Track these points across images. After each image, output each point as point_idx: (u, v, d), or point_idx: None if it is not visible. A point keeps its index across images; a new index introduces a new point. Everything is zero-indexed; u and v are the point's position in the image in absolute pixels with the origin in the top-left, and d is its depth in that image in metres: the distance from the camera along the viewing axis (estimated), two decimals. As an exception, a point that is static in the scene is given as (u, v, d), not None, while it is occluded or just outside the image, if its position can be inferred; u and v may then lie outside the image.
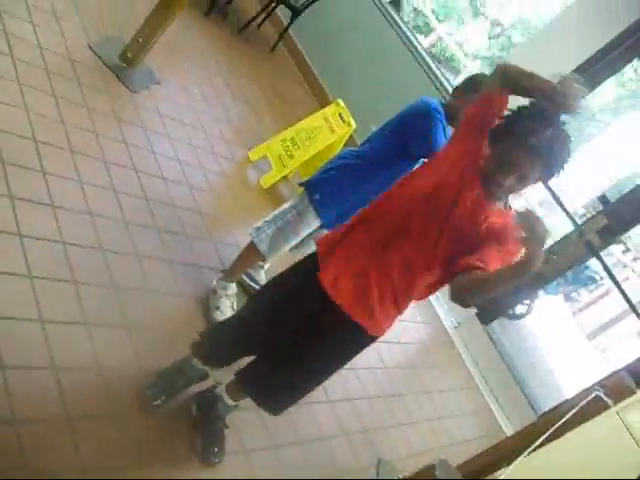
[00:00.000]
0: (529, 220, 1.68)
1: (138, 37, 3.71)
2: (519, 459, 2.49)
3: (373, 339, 2.18)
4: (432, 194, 1.97)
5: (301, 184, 2.96)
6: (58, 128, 2.98)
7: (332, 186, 2.77)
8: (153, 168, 3.34)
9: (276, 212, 2.97)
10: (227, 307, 2.93)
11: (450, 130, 2.73)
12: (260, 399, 2.34)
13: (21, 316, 2.21)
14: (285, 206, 2.96)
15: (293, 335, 2.17)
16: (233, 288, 2.99)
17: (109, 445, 2.15)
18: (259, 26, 6.05)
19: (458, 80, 5.10)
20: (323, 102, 5.56)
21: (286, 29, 5.98)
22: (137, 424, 2.30)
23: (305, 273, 2.13)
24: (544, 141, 1.79)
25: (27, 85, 3.02)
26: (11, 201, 2.48)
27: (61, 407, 2.11)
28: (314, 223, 2.88)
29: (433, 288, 2.11)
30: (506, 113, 1.91)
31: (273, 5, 5.88)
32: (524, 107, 1.88)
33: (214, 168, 3.90)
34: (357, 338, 2.16)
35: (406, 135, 2.69)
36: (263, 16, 5.96)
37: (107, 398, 2.27)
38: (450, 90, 5.46)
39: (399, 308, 2.12)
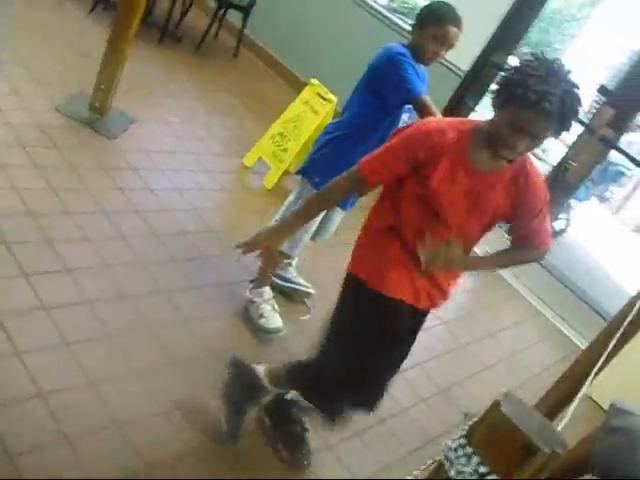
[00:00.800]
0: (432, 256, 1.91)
1: (100, 85, 3.69)
2: (597, 366, 2.40)
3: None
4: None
5: (298, 172, 2.89)
6: (51, 196, 2.96)
7: (327, 164, 2.69)
8: (155, 204, 3.32)
9: (283, 208, 2.91)
10: (269, 312, 2.90)
11: (420, 68, 2.63)
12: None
13: (72, 385, 2.19)
14: (290, 199, 2.90)
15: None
16: (268, 292, 2.96)
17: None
18: (215, 37, 6.02)
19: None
20: (300, 88, 5.48)
21: (242, 31, 5.93)
22: (218, 454, 2.27)
23: (389, 314, 2.09)
24: (556, 102, 1.66)
25: (9, 165, 3.01)
26: (26, 279, 2.47)
27: (138, 461, 2.08)
28: (325, 205, 2.82)
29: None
30: (508, 71, 1.77)
31: (221, 13, 5.84)
32: (528, 63, 1.72)
33: (214, 185, 3.86)
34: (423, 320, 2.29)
35: (380, 89, 2.60)
36: (216, 26, 5.92)
37: (181, 439, 2.25)
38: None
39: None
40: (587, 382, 2.18)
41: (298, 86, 5.66)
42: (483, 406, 3.24)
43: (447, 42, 2.55)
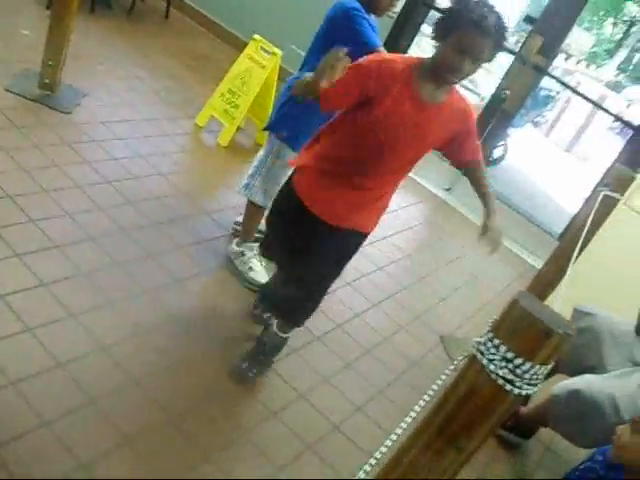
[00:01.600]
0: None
1: (48, 61, 3.69)
2: (565, 276, 2.65)
3: (366, 235, 2.40)
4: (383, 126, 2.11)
5: (266, 128, 2.99)
6: (23, 176, 3.01)
7: (294, 118, 2.81)
8: (122, 173, 3.39)
9: (255, 163, 3.02)
10: (258, 264, 3.07)
11: (371, 18, 2.75)
12: (285, 312, 2.57)
13: (86, 352, 2.31)
14: (261, 153, 3.01)
15: (299, 252, 2.39)
16: (258, 246, 3.11)
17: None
18: (143, 0, 5.96)
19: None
20: (238, 45, 5.52)
21: (170, -9, 5.90)
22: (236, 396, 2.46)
23: (294, 210, 2.31)
24: (492, 23, 1.95)
25: (-26, 151, 3.04)
26: (20, 259, 2.55)
27: (160, 413, 2.25)
28: (293, 156, 2.95)
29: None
30: (446, 8, 2.05)
31: (148, -26, 5.79)
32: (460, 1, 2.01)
33: (173, 148, 3.94)
34: (353, 240, 2.39)
35: (336, 43, 2.67)
36: (143, -11, 5.87)
37: (198, 389, 2.42)
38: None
39: (385, 204, 2.37)
40: (562, 286, 2.41)
41: (236, 44, 5.71)
42: (455, 327, 3.53)
43: None
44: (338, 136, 2.23)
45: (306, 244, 2.34)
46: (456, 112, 2.16)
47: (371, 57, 2.18)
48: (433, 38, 2.06)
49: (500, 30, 1.98)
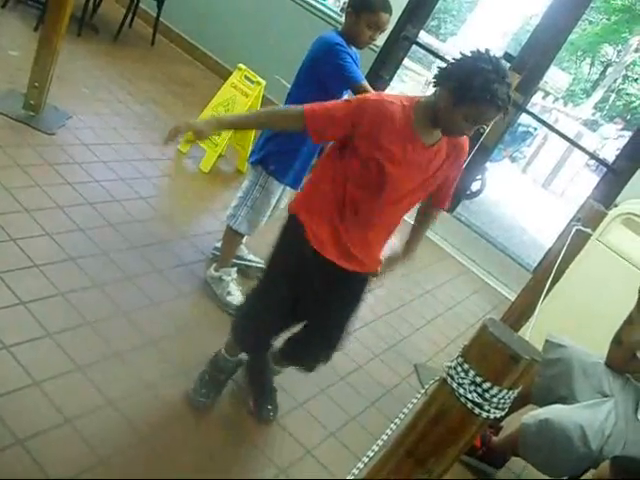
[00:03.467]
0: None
1: (33, 82, 3.72)
2: (537, 309, 2.70)
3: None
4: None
5: (253, 163, 3.00)
6: (4, 195, 3.02)
7: (280, 153, 2.86)
8: (104, 195, 3.42)
9: (240, 194, 3.04)
10: (235, 289, 3.10)
11: (352, 50, 2.81)
12: (307, 366, 2.57)
13: (62, 372, 2.32)
14: (246, 184, 3.02)
15: (319, 305, 2.33)
16: (234, 271, 3.16)
17: (179, 449, 2.31)
18: (130, 26, 6.03)
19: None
20: (222, 73, 5.60)
21: (157, 19, 5.98)
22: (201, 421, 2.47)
23: (307, 258, 2.19)
24: (505, 97, 1.88)
25: (-45, 168, 3.05)
26: (-2, 277, 2.56)
27: (132, 434, 2.25)
28: (279, 188, 2.99)
29: None
30: (458, 60, 1.94)
31: (135, 1, 5.86)
32: (484, 64, 1.88)
33: (155, 173, 3.98)
34: (366, 280, 2.39)
35: (321, 78, 2.75)
36: (130, 16, 5.94)
37: (171, 411, 2.43)
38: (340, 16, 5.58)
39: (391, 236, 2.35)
40: (534, 317, 2.46)
41: (220, 72, 5.80)
42: (429, 356, 3.57)
43: (380, 27, 2.75)
44: (337, 179, 2.12)
45: (331, 297, 2.30)
46: (451, 147, 2.11)
47: (371, 95, 2.13)
48: (450, 93, 1.93)
49: (510, 99, 1.91)
